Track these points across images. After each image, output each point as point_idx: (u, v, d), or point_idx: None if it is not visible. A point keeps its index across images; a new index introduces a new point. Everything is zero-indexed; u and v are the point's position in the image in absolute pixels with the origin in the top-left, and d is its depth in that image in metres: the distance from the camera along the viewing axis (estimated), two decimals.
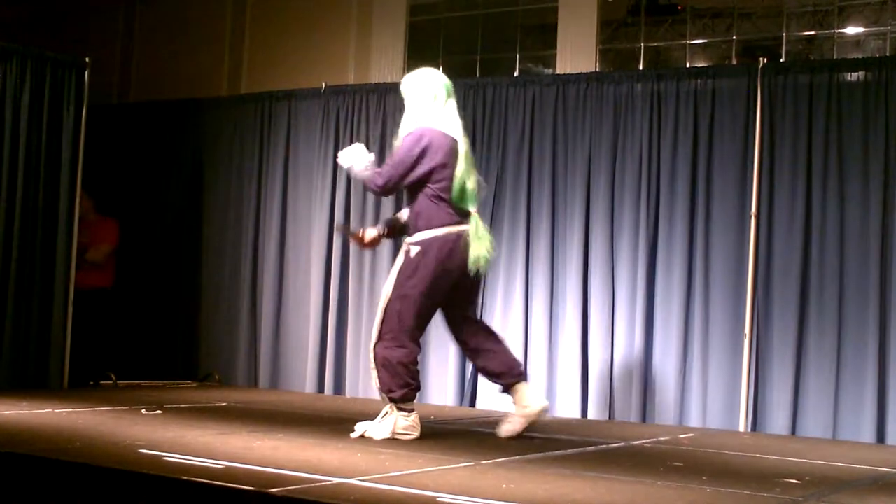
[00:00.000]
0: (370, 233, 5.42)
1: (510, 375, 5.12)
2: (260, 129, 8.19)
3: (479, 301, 5.36)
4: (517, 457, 4.47)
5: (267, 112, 8.17)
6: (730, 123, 6.54)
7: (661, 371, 6.57)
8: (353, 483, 3.57)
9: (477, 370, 5.28)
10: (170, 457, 3.96)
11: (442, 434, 5.28)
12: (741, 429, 6.25)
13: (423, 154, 4.95)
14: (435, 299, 5.02)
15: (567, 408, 6.66)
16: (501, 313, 6.98)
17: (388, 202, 7.21)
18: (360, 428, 4.94)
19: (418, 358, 5.03)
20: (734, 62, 7.29)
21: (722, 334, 6.43)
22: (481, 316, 6.08)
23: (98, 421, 5.14)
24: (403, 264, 4.98)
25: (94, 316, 7.60)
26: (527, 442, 5.01)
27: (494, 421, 5.94)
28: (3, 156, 6.83)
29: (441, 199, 4.96)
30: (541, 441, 5.04)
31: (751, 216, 6.38)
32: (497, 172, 7.08)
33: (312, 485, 3.49)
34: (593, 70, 7.53)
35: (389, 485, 3.58)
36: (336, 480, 3.59)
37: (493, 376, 5.18)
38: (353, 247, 7.61)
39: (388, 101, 7.60)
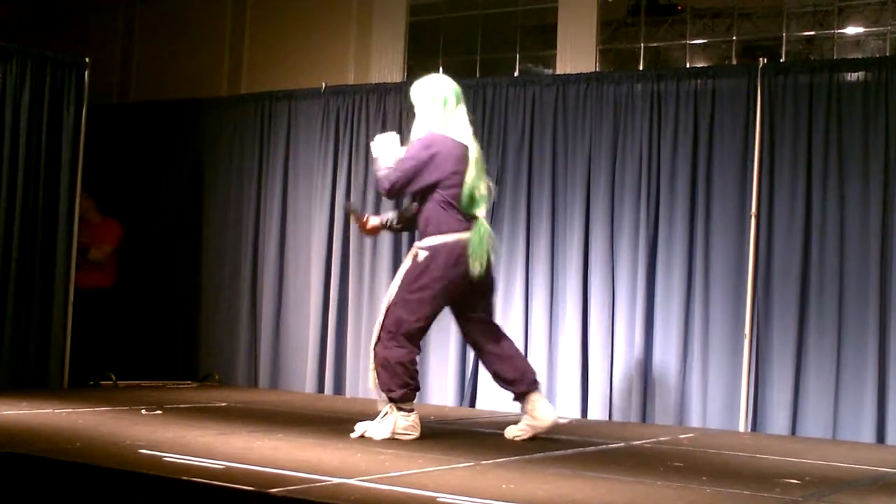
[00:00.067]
0: (373, 220, 5.39)
1: (523, 383, 5.08)
2: (260, 129, 8.19)
3: (493, 303, 5.30)
4: (517, 457, 4.47)
5: (267, 112, 8.17)
6: (730, 123, 6.54)
7: (661, 371, 6.57)
8: (353, 483, 3.57)
9: (490, 375, 5.24)
10: (170, 457, 3.95)
11: (442, 434, 5.28)
12: (741, 429, 6.25)
13: (430, 161, 4.95)
14: (439, 305, 5.02)
15: (567, 408, 6.66)
16: (501, 313, 6.97)
17: (388, 203, 7.21)
18: (359, 428, 4.94)
19: (417, 358, 5.03)
20: (734, 62, 7.29)
21: (722, 334, 6.43)
22: None
23: (98, 421, 5.14)
24: (410, 267, 4.98)
25: (95, 316, 7.60)
26: (527, 442, 5.01)
27: (494, 421, 5.94)
28: (3, 156, 6.83)
29: (451, 205, 4.95)
30: (541, 441, 5.03)
31: (751, 216, 6.38)
32: (497, 172, 7.07)
33: (312, 485, 3.49)
34: (593, 70, 7.53)
35: (389, 485, 3.58)
36: (336, 480, 3.59)
37: (505, 383, 5.13)
38: (353, 248, 7.63)
39: (388, 101, 7.61)
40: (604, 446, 5.10)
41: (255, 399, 6.89)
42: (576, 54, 7.69)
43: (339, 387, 7.57)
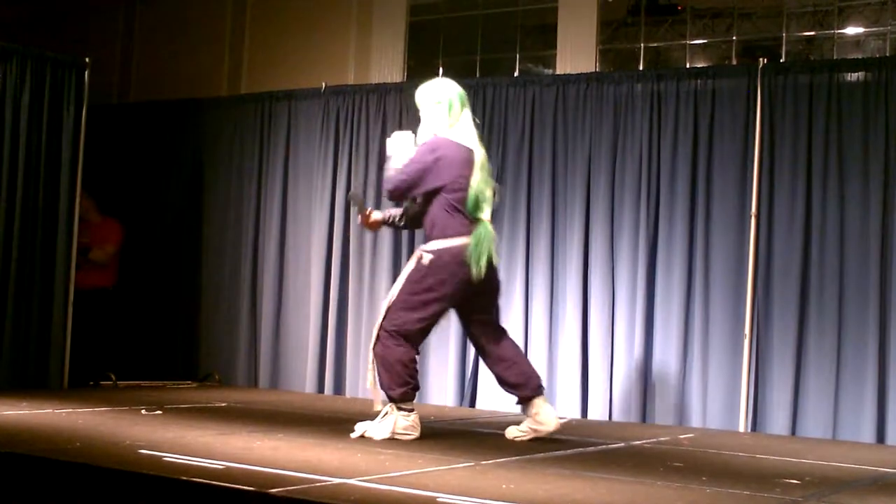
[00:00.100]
0: (376, 214, 5.37)
1: (527, 388, 5.07)
2: (260, 129, 8.19)
3: (499, 305, 5.29)
4: (517, 457, 4.47)
5: (267, 112, 8.17)
6: (730, 123, 6.54)
7: (661, 371, 6.57)
8: (353, 483, 3.57)
9: (494, 378, 5.23)
10: (170, 457, 3.95)
11: (442, 434, 5.28)
12: (741, 429, 6.25)
13: (435, 165, 4.94)
14: (441, 308, 5.02)
15: (567, 408, 6.66)
16: (502, 313, 6.96)
17: (388, 204, 7.21)
18: (360, 428, 4.94)
19: (417, 358, 5.03)
20: (734, 62, 7.29)
21: (722, 334, 6.43)
22: None
23: (98, 421, 5.14)
24: (414, 269, 4.98)
25: (96, 316, 7.60)
26: (527, 442, 5.01)
27: (494, 421, 5.94)
28: (3, 156, 6.83)
29: (456, 209, 4.94)
30: (541, 441, 5.03)
31: (751, 216, 6.38)
32: (497, 172, 7.06)
33: (312, 485, 3.49)
34: (593, 70, 7.53)
35: (389, 485, 3.58)
36: (336, 481, 3.59)
37: (509, 387, 5.13)
38: (353, 248, 7.63)
39: (388, 101, 7.61)
40: (604, 446, 5.10)
41: (255, 399, 6.89)
42: (576, 54, 7.69)
43: (339, 387, 7.57)
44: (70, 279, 7.13)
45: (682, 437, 5.69)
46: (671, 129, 6.68)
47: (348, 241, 7.66)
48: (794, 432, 6.17)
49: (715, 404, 6.40)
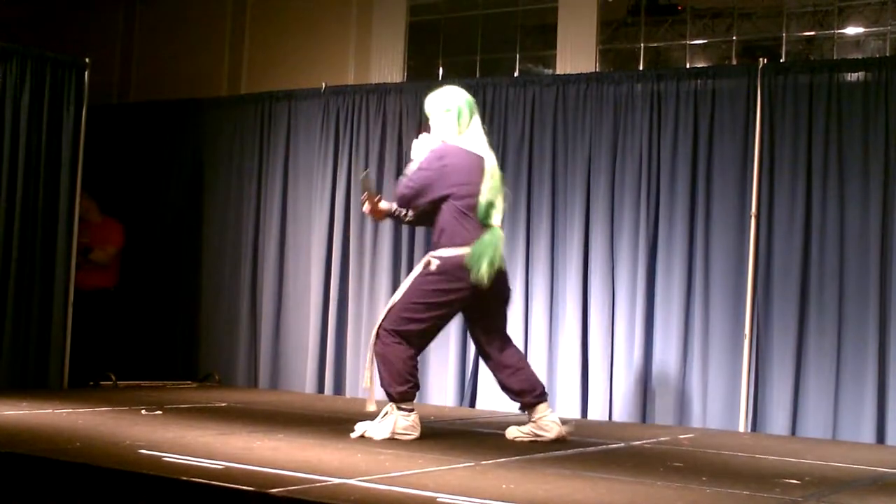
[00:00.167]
0: (384, 204, 5.30)
1: (530, 395, 5.06)
2: (260, 129, 8.19)
3: (507, 313, 5.27)
4: (517, 457, 4.47)
5: (267, 112, 8.17)
6: (730, 123, 6.54)
7: (661, 371, 6.57)
8: (353, 483, 3.57)
9: (497, 384, 5.23)
10: (170, 457, 3.95)
11: (442, 434, 5.28)
12: (741, 429, 6.25)
13: (441, 171, 4.95)
14: (444, 314, 5.03)
15: (567, 408, 6.66)
16: None
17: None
18: (360, 428, 4.94)
19: (417, 357, 5.03)
20: (734, 62, 7.29)
21: (722, 334, 6.43)
22: None
23: (98, 421, 5.14)
24: (421, 274, 4.98)
25: (96, 316, 7.60)
26: (527, 442, 5.01)
27: (494, 421, 5.95)
28: (3, 156, 6.83)
29: (465, 215, 4.94)
30: (541, 442, 5.03)
31: (751, 216, 6.38)
32: None
33: (312, 485, 3.49)
34: (593, 70, 7.53)
35: (389, 485, 3.58)
36: (336, 481, 3.59)
37: (512, 393, 5.13)
38: (353, 248, 7.62)
39: (388, 101, 7.61)
40: (604, 446, 5.10)
41: (255, 399, 6.89)
42: (576, 54, 7.69)
43: (339, 387, 7.57)
44: (70, 279, 7.13)
45: (682, 437, 5.69)
46: (671, 129, 6.68)
47: (348, 241, 7.66)
48: (794, 432, 6.17)
49: (715, 404, 6.40)
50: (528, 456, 4.53)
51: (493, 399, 6.66)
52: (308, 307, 7.74)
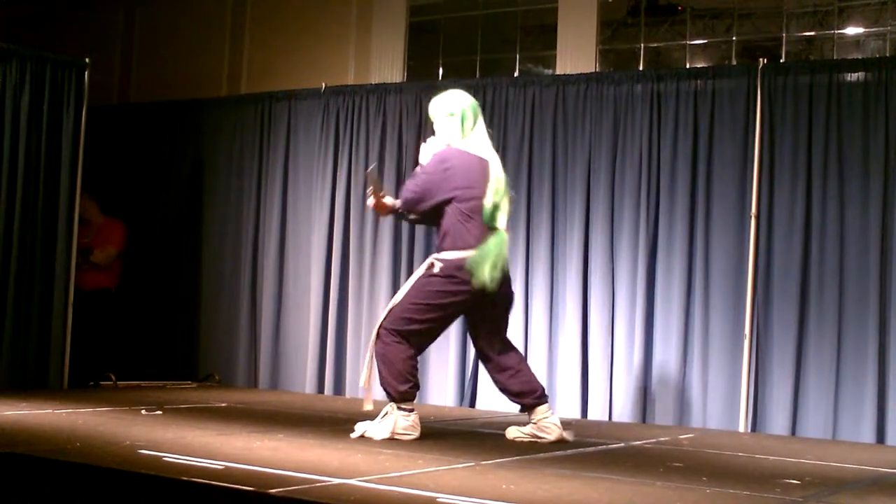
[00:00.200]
0: (389, 200, 5.27)
1: (530, 396, 5.07)
2: (260, 129, 8.19)
3: (509, 318, 5.27)
4: (517, 457, 4.47)
5: (267, 112, 8.17)
6: (730, 123, 6.54)
7: (661, 371, 6.57)
8: (353, 483, 3.57)
9: (496, 386, 5.23)
10: (170, 457, 3.95)
11: (442, 434, 5.28)
12: (741, 429, 6.25)
13: (444, 175, 4.95)
14: (446, 316, 5.04)
15: (567, 408, 6.66)
16: None
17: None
18: (360, 428, 4.94)
19: (417, 357, 5.04)
20: (734, 62, 7.29)
21: (722, 334, 6.43)
22: None
23: (98, 421, 5.14)
24: (424, 275, 4.98)
25: (97, 317, 7.60)
26: (527, 442, 5.01)
27: (494, 421, 5.95)
28: (3, 156, 6.83)
29: (469, 218, 4.94)
30: (541, 442, 5.03)
31: (751, 216, 6.38)
32: None
33: (312, 485, 3.49)
34: (593, 70, 7.53)
35: (389, 485, 3.58)
36: (336, 481, 3.59)
37: (513, 395, 5.13)
38: (353, 248, 7.62)
39: (388, 101, 7.61)
40: (604, 446, 5.10)
41: (255, 399, 6.89)
42: (576, 54, 7.69)
43: (339, 387, 7.57)
44: (70, 279, 7.13)
45: (682, 437, 5.69)
46: (671, 129, 6.69)
47: (348, 241, 7.66)
48: (794, 432, 6.17)
49: (715, 404, 6.40)
50: (528, 456, 4.53)
51: (493, 399, 6.66)
52: (308, 307, 7.74)
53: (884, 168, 6.11)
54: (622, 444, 5.22)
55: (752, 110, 6.45)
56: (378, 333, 4.97)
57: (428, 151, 5.11)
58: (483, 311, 5.05)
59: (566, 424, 5.18)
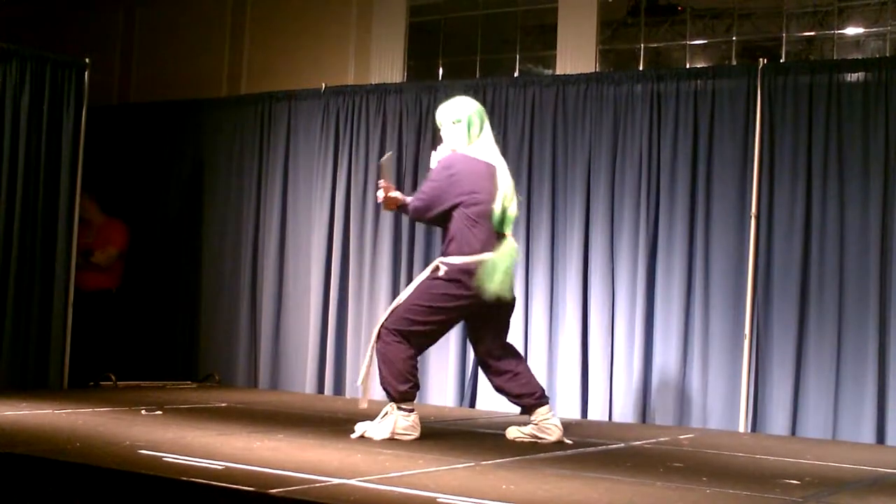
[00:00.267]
0: (396, 194, 5.25)
1: (529, 398, 5.07)
2: (260, 129, 8.19)
3: (509, 322, 5.27)
4: (517, 457, 4.47)
5: (267, 112, 8.17)
6: (730, 123, 6.54)
7: (661, 371, 6.57)
8: (353, 484, 3.57)
9: (495, 389, 5.23)
10: (169, 457, 3.96)
11: (442, 434, 5.28)
12: (741, 429, 6.25)
13: (450, 181, 4.97)
14: (448, 320, 5.05)
15: (567, 408, 6.66)
16: None
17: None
18: (359, 428, 4.94)
19: (418, 357, 5.04)
20: (734, 63, 7.29)
21: (722, 334, 6.43)
22: None
23: (98, 422, 5.14)
24: (428, 278, 4.99)
25: (97, 317, 7.60)
26: (527, 442, 5.02)
27: (494, 421, 5.95)
28: (3, 156, 6.83)
29: (475, 222, 4.95)
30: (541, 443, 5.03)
31: (751, 216, 6.38)
32: None
33: (312, 485, 3.49)
34: (593, 70, 7.53)
35: (389, 485, 3.58)
36: (336, 481, 3.59)
37: (512, 397, 5.14)
38: (353, 248, 7.62)
39: (388, 101, 7.61)
40: (604, 447, 5.10)
41: (255, 399, 6.89)
42: (576, 54, 7.69)
43: (339, 387, 7.57)
44: (70, 279, 7.13)
45: (682, 437, 5.69)
46: (671, 129, 6.69)
47: (348, 241, 7.66)
48: (794, 432, 6.17)
49: (715, 404, 6.40)
50: (528, 456, 4.53)
51: (493, 399, 6.66)
52: (308, 307, 7.74)
53: (884, 168, 6.11)
54: (622, 445, 5.23)
55: (752, 110, 6.45)
56: (379, 333, 4.98)
57: (436, 159, 5.14)
58: (485, 317, 5.06)
59: (566, 428, 5.18)
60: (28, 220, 6.96)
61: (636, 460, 4.67)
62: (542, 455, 4.60)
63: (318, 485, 3.51)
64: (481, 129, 5.09)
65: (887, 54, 6.88)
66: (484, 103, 7.13)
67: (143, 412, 5.64)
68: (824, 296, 6.20)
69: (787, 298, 6.28)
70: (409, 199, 5.26)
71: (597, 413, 6.67)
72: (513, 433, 5.11)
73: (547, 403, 5.11)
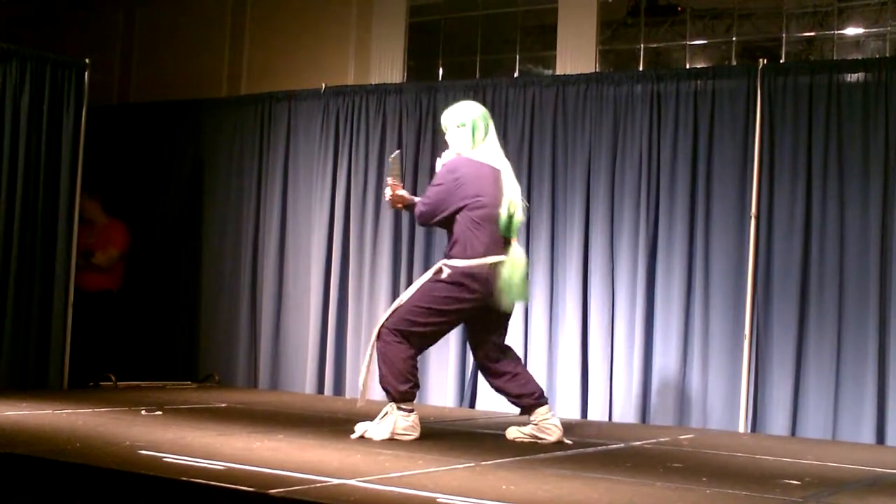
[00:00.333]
0: (403, 193, 5.25)
1: (528, 398, 5.08)
2: (260, 129, 8.19)
3: (507, 326, 5.27)
4: (517, 457, 4.47)
5: (267, 112, 8.17)
6: (730, 124, 6.54)
7: (661, 371, 6.57)
8: (352, 484, 3.57)
9: (494, 390, 5.24)
10: (170, 458, 3.96)
11: (442, 435, 5.28)
12: (741, 429, 6.25)
13: (455, 184, 4.97)
14: (448, 322, 5.06)
15: (567, 408, 6.66)
16: None
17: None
18: (359, 428, 4.95)
19: (417, 357, 5.04)
20: (734, 63, 7.29)
21: (722, 334, 6.43)
22: None
23: (98, 422, 5.14)
24: (431, 279, 4.99)
25: (98, 318, 7.59)
26: (527, 442, 5.02)
27: (494, 421, 5.95)
28: (3, 156, 6.83)
29: (479, 226, 4.95)
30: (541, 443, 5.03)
31: (751, 216, 6.38)
32: None
33: (312, 486, 3.49)
34: (593, 71, 7.53)
35: (389, 486, 3.58)
36: (336, 481, 3.59)
37: (511, 397, 5.14)
38: (353, 248, 7.62)
39: (387, 101, 7.61)
40: (604, 447, 5.10)
41: (255, 400, 6.89)
42: (576, 55, 7.69)
43: (339, 387, 7.57)
44: (70, 279, 7.13)
45: (681, 437, 5.69)
46: (671, 129, 6.69)
47: (348, 241, 7.66)
48: (793, 433, 6.17)
49: (715, 404, 6.40)
50: (528, 456, 4.53)
51: (493, 399, 6.65)
52: (308, 307, 7.74)
53: (884, 168, 6.11)
54: (622, 445, 5.23)
55: (751, 110, 6.45)
56: (379, 333, 4.98)
57: (440, 165, 5.14)
58: (482, 320, 5.06)
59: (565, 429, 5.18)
60: (28, 220, 6.97)
61: (636, 460, 4.67)
62: (541, 455, 4.60)
63: (318, 485, 3.51)
64: (486, 133, 5.10)
65: (887, 54, 6.88)
66: (484, 104, 7.13)
67: (143, 412, 5.64)
68: (824, 296, 6.20)
69: (787, 298, 6.28)
70: (416, 198, 5.26)
71: (597, 413, 6.67)
72: (513, 433, 5.11)
73: (546, 403, 5.11)
